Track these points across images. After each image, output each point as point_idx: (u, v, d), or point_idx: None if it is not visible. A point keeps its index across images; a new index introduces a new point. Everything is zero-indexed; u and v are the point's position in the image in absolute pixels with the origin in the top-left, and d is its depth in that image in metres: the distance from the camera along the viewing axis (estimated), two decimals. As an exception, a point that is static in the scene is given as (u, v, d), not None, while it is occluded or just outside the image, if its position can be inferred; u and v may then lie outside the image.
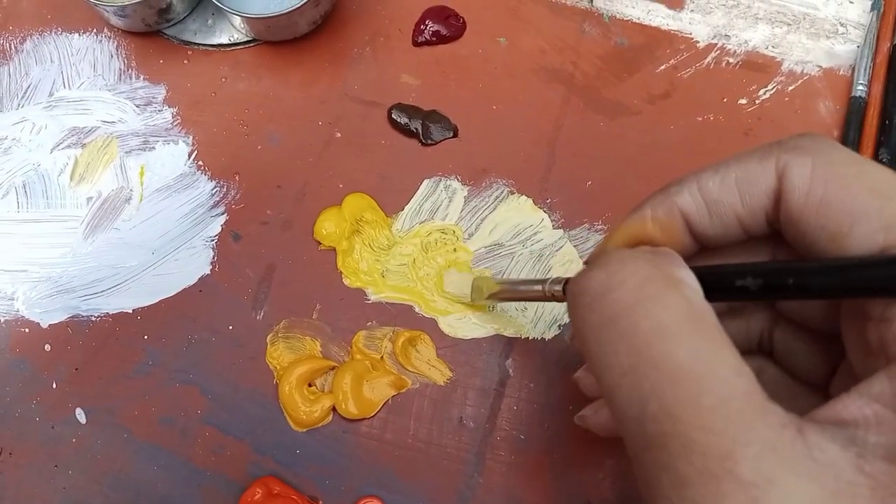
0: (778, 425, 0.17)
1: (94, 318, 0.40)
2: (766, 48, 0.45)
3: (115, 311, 0.40)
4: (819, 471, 0.16)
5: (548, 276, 0.31)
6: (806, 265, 0.21)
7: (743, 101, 0.44)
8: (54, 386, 0.39)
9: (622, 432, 0.19)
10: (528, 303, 0.39)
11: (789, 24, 0.45)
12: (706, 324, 0.19)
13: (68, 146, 0.43)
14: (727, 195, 0.23)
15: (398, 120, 0.43)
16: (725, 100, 0.44)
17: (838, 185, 0.21)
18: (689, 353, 0.18)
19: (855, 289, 0.20)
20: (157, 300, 0.40)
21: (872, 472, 0.16)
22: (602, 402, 0.29)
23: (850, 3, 0.46)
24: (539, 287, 0.30)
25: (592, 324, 0.19)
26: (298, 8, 0.41)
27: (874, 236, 0.20)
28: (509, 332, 0.39)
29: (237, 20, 0.43)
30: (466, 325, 0.39)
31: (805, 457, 0.16)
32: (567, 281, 0.28)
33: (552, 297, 0.30)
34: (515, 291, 0.35)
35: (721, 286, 0.22)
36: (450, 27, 0.45)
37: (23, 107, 0.44)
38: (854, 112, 0.42)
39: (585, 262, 0.29)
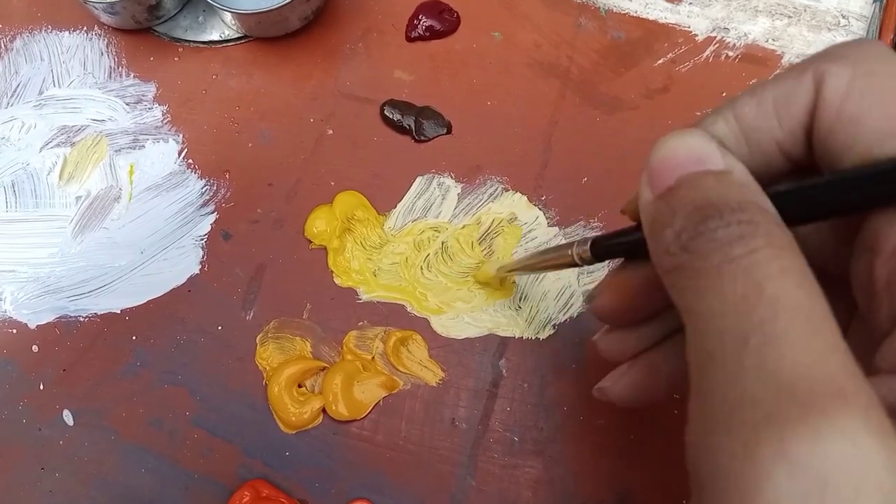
0: (869, 408, 0.16)
1: (82, 319, 0.39)
2: (766, 41, 0.44)
3: (103, 312, 0.39)
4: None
5: (570, 242, 0.29)
6: (837, 174, 0.20)
7: (742, 96, 0.43)
8: (41, 387, 0.38)
9: (699, 367, 0.18)
10: (522, 302, 0.38)
11: (790, 17, 0.45)
12: (817, 291, 0.18)
13: (57, 145, 0.43)
14: (765, 120, 0.21)
15: (391, 116, 0.42)
16: (725, 94, 0.43)
17: (874, 101, 0.19)
18: (804, 298, 0.17)
19: (881, 195, 0.19)
20: (145, 300, 0.39)
21: None
22: (622, 370, 0.27)
23: (853, -6, 0.45)
24: (566, 252, 0.29)
25: (716, 259, 0.18)
26: (289, 3, 0.41)
27: None
28: (503, 332, 0.38)
29: (228, 16, 0.43)
30: (459, 325, 0.38)
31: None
32: (594, 240, 0.27)
33: (580, 261, 0.28)
34: (536, 262, 0.33)
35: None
36: (444, 22, 0.45)
37: (12, 105, 0.44)
38: (856, 105, 0.41)
39: (622, 212, 0.27)
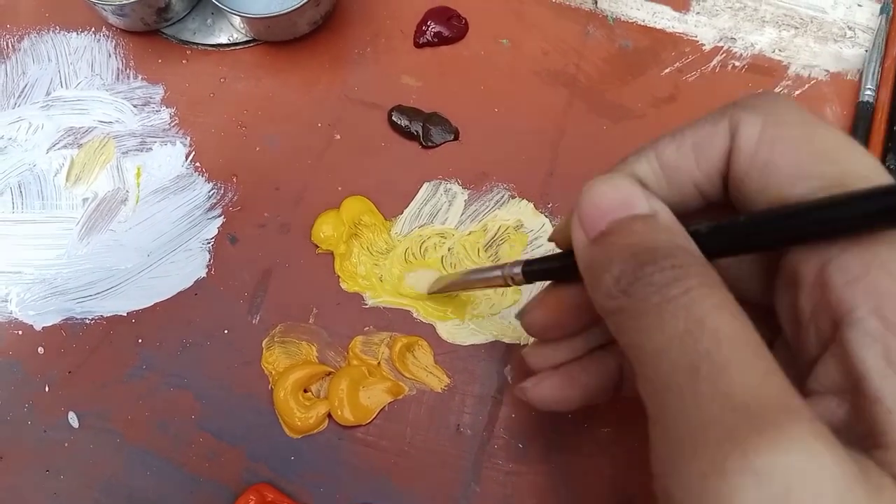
0: (809, 416, 0.17)
1: (88, 321, 0.39)
2: (773, 52, 0.44)
3: (109, 314, 0.39)
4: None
5: (502, 262, 0.32)
6: (753, 215, 0.21)
7: (749, 106, 0.43)
8: (47, 389, 0.38)
9: (648, 389, 0.19)
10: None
11: (797, 28, 0.45)
12: (750, 325, 0.19)
13: (65, 146, 0.43)
14: (684, 161, 0.23)
15: (398, 122, 0.42)
16: (731, 104, 0.43)
17: (784, 147, 0.21)
18: (738, 331, 0.19)
19: (794, 233, 0.20)
20: (152, 303, 0.39)
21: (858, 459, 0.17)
22: (543, 375, 0.30)
23: (859, 6, 0.45)
24: (497, 273, 0.31)
25: (655, 300, 0.20)
26: (298, 8, 0.41)
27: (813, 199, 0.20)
28: (508, 339, 0.38)
29: (237, 20, 0.43)
30: (465, 332, 0.38)
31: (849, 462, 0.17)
32: (525, 263, 0.29)
33: (511, 282, 0.31)
34: (467, 282, 0.35)
35: None
36: (452, 28, 0.45)
37: (19, 106, 0.44)
38: (861, 118, 0.41)
39: (550, 240, 0.30)
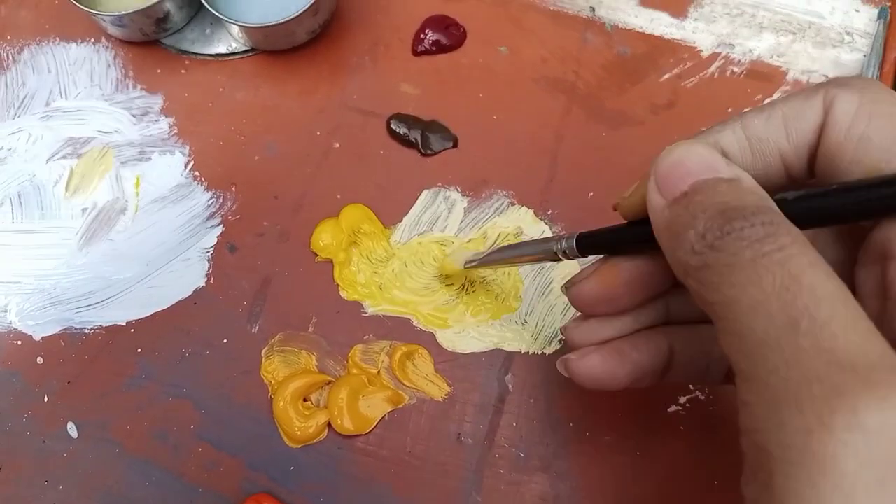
0: None
1: (87, 331, 0.39)
2: (772, 57, 0.44)
3: (108, 324, 0.39)
4: None
5: (555, 235, 0.30)
6: (846, 183, 0.21)
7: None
8: (46, 399, 0.38)
9: (741, 347, 0.19)
10: (528, 316, 0.38)
11: (795, 33, 0.45)
12: (840, 282, 0.19)
13: (64, 156, 0.43)
14: (773, 132, 0.23)
15: (397, 130, 0.42)
16: (730, 110, 0.43)
17: (882, 123, 0.21)
18: (837, 287, 0.18)
19: (890, 203, 0.20)
20: (151, 312, 0.39)
21: None
22: (591, 349, 0.28)
23: (857, 11, 0.45)
24: (547, 247, 0.30)
25: (749, 255, 0.19)
26: (297, 17, 0.41)
27: None
28: (509, 347, 0.38)
29: (235, 29, 0.43)
30: (465, 340, 0.38)
31: None
32: (580, 236, 0.28)
33: (563, 256, 0.29)
34: (510, 256, 0.33)
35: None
36: (450, 36, 0.45)
37: (19, 116, 0.44)
38: (861, 122, 0.41)
39: (614, 209, 0.28)
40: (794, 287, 0.18)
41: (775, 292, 0.18)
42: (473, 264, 0.36)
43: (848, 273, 0.23)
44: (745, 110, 0.24)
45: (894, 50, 0.43)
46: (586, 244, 0.28)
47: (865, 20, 0.45)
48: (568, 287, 0.29)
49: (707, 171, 0.22)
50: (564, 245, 0.28)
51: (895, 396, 0.16)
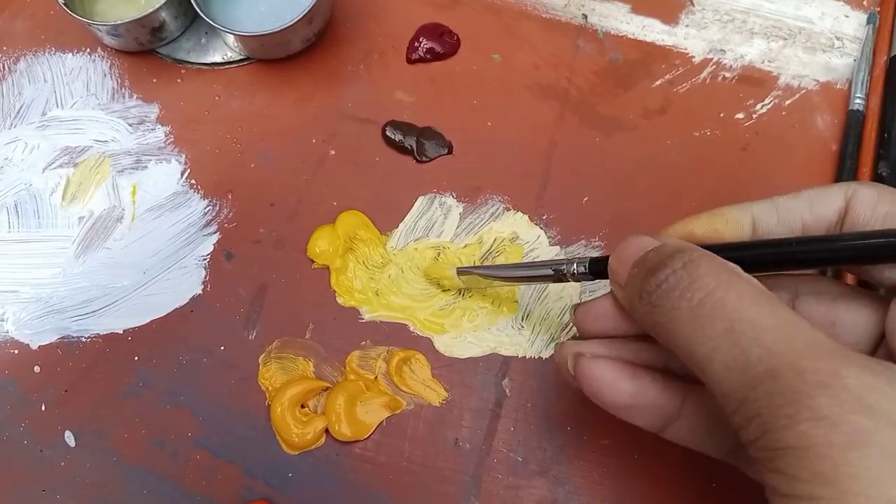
0: (864, 358, 0.20)
1: (84, 339, 0.39)
2: (763, 62, 0.45)
3: (105, 332, 0.39)
4: None
5: (564, 258, 0.32)
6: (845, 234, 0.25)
7: (740, 116, 0.43)
8: (43, 408, 0.38)
9: (720, 390, 0.21)
10: (525, 321, 0.39)
11: (785, 39, 0.45)
12: (771, 295, 0.22)
13: (60, 165, 0.43)
14: (798, 205, 0.27)
15: (392, 137, 0.43)
16: (722, 114, 0.43)
17: None
18: (771, 313, 0.21)
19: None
20: (148, 320, 0.39)
21: None
22: (602, 352, 0.29)
23: (846, 17, 0.46)
24: (553, 270, 0.31)
25: (684, 307, 0.22)
26: (292, 26, 0.41)
27: None
28: (506, 352, 0.38)
29: (231, 38, 0.43)
30: (462, 344, 0.38)
31: (889, 371, 0.19)
32: (591, 261, 0.30)
33: (570, 279, 0.31)
34: (510, 273, 0.35)
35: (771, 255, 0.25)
36: (444, 44, 0.45)
37: (15, 126, 0.44)
38: (852, 126, 0.42)
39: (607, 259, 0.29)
40: (736, 328, 0.21)
41: (721, 339, 0.21)
42: (469, 272, 0.37)
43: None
44: (776, 195, 0.27)
45: (884, 54, 0.43)
46: (597, 271, 0.29)
47: (855, 25, 0.45)
48: (577, 306, 0.30)
49: (638, 252, 0.25)
50: (575, 269, 0.30)
51: (845, 373, 0.19)
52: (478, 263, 0.40)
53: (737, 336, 0.21)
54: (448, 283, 0.39)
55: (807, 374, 0.19)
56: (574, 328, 0.38)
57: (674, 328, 0.23)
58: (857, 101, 0.42)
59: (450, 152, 0.43)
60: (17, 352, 0.39)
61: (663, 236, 0.26)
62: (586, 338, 0.29)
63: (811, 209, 0.26)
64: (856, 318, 0.26)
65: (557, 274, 0.31)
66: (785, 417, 0.19)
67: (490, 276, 0.36)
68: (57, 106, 0.45)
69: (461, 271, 0.37)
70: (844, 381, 0.19)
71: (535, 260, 0.40)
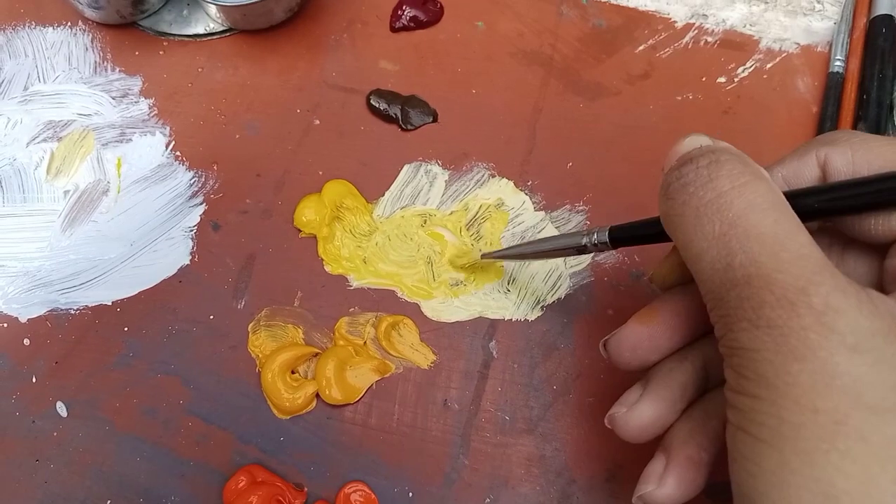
0: (845, 280, 0.20)
1: (73, 312, 0.39)
2: (744, 27, 0.45)
3: (94, 304, 0.39)
4: (879, 312, 0.20)
5: (583, 230, 0.31)
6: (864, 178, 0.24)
7: (722, 80, 0.43)
8: (34, 380, 0.38)
9: (705, 284, 0.23)
10: (511, 284, 0.39)
11: (766, 3, 0.45)
12: (787, 207, 0.22)
13: (44, 140, 0.43)
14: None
15: (377, 106, 0.43)
16: (704, 79, 0.44)
17: (881, 162, 0.24)
18: (773, 222, 0.21)
19: None
20: (136, 292, 0.40)
21: None
22: (631, 399, 0.28)
23: (827, -20, 0.46)
24: (577, 241, 0.31)
25: (694, 204, 0.23)
26: (273, -5, 0.41)
27: None
28: (493, 315, 0.39)
29: (213, 10, 0.43)
30: (449, 309, 0.39)
31: (867, 301, 0.20)
32: (611, 228, 0.29)
33: (594, 249, 0.31)
34: (532, 249, 0.34)
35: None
36: (427, 12, 0.45)
37: (-3, 102, 0.44)
38: (832, 87, 0.42)
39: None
40: (730, 232, 0.21)
41: (715, 239, 0.22)
42: (494, 255, 0.37)
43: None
44: None
45: (863, 17, 0.44)
46: (618, 236, 0.29)
47: (835, -12, 0.46)
48: (607, 341, 0.29)
49: (688, 148, 0.25)
50: (596, 238, 0.30)
51: (812, 293, 0.20)
52: (468, 232, 0.40)
53: (728, 239, 0.21)
54: (471, 267, 0.39)
55: (776, 286, 0.20)
56: (557, 291, 0.39)
57: (679, 222, 0.23)
58: (838, 63, 0.43)
59: (435, 120, 0.43)
60: (5, 325, 0.39)
61: (719, 141, 0.25)
62: (625, 369, 0.29)
63: (789, 188, 0.26)
64: (866, 268, 0.26)
65: (578, 247, 0.31)
66: (746, 321, 0.21)
67: (514, 257, 0.37)
68: (39, 80, 0.45)
69: (485, 256, 0.37)
70: (809, 299, 0.20)
71: (555, 235, 0.39)
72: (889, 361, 0.19)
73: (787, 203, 0.22)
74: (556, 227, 0.40)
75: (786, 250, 0.21)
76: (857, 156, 0.24)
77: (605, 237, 0.30)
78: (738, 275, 0.21)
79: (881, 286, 0.25)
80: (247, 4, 0.41)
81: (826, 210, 0.24)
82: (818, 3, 0.46)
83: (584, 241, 0.31)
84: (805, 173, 0.26)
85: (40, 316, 0.39)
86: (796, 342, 0.19)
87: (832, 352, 0.19)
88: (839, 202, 0.24)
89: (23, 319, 0.39)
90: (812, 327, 0.19)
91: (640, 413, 0.27)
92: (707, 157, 0.23)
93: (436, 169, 0.42)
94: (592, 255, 0.39)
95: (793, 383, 0.19)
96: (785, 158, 0.26)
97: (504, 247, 0.38)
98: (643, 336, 0.28)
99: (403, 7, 0.45)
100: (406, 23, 0.45)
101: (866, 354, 0.19)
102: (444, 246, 0.40)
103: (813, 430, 0.19)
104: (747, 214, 0.21)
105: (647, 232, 0.28)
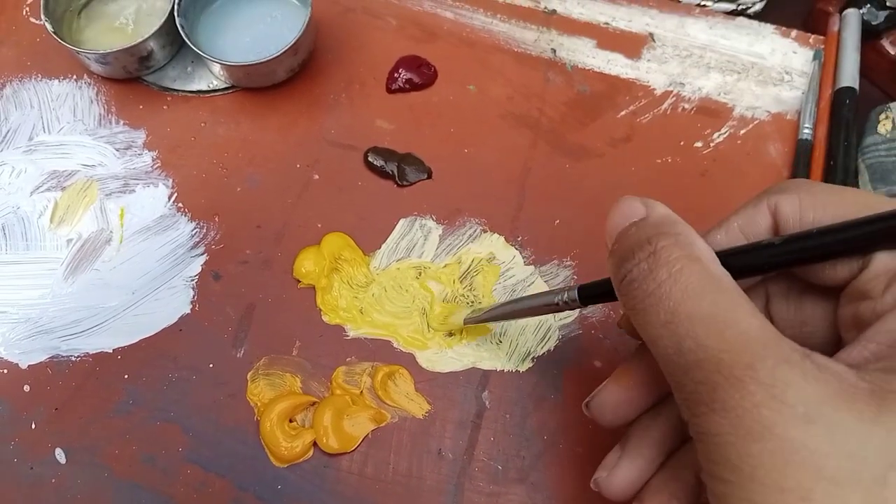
0: (789, 348, 0.21)
1: (73, 359, 0.40)
2: (719, 95, 0.48)
3: (95, 351, 0.40)
4: (825, 377, 0.20)
5: (556, 289, 0.32)
6: (809, 231, 0.25)
7: (698, 144, 0.46)
8: (33, 426, 0.39)
9: (664, 369, 0.23)
10: (503, 337, 0.41)
11: (739, 73, 0.49)
12: (723, 284, 0.23)
13: (48, 189, 0.44)
14: (733, 240, 0.27)
15: (374, 162, 0.45)
16: (682, 143, 0.46)
17: (825, 210, 0.25)
18: (710, 304, 0.22)
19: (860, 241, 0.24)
20: (137, 339, 0.40)
21: (871, 379, 0.20)
22: (611, 462, 0.30)
23: (795, 53, 0.49)
24: (549, 299, 0.32)
25: (640, 297, 0.23)
26: (277, 56, 0.43)
27: None
28: (485, 366, 0.40)
29: (217, 68, 0.45)
30: (444, 359, 0.40)
31: (813, 368, 0.20)
32: (581, 287, 0.31)
33: (565, 308, 0.32)
34: (510, 310, 0.36)
35: (745, 261, 0.25)
36: (422, 75, 0.48)
37: (2, 151, 0.45)
38: (801, 153, 0.45)
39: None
40: (675, 320, 0.22)
41: (662, 327, 0.23)
42: (475, 320, 0.38)
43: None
44: (709, 229, 0.27)
45: (829, 88, 0.47)
46: (587, 294, 0.31)
47: (802, 61, 0.49)
48: (588, 402, 0.30)
49: (624, 220, 0.26)
50: (566, 297, 0.31)
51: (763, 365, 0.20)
52: (460, 288, 0.42)
53: (674, 327, 0.22)
54: (458, 330, 0.41)
55: (723, 367, 0.21)
56: (547, 343, 0.40)
57: (632, 314, 0.24)
58: (806, 130, 0.46)
59: (429, 177, 0.45)
60: (6, 371, 0.40)
61: (651, 200, 0.26)
62: (609, 427, 0.30)
63: (746, 239, 0.27)
64: (823, 313, 0.27)
65: (552, 305, 0.32)
66: (703, 405, 0.21)
67: (495, 319, 0.38)
68: (44, 131, 0.46)
69: (468, 322, 0.39)
70: (756, 375, 0.20)
71: (530, 295, 0.41)
72: (840, 428, 0.19)
73: (724, 276, 0.23)
74: (545, 282, 0.42)
75: (728, 328, 0.21)
76: (804, 203, 0.25)
77: (575, 295, 0.31)
78: (690, 359, 0.22)
79: (838, 332, 0.26)
80: (250, 64, 0.43)
81: (771, 265, 0.25)
82: (787, 74, 0.49)
83: (556, 299, 0.32)
84: (759, 221, 0.27)
85: (41, 362, 0.40)
86: (751, 422, 0.20)
87: (787, 427, 0.19)
88: (780, 258, 0.25)
89: (23, 366, 0.40)
90: (764, 403, 0.20)
91: (620, 476, 0.29)
92: (645, 249, 0.24)
93: (430, 223, 0.44)
94: (579, 309, 0.41)
95: (756, 465, 0.20)
96: (741, 207, 0.27)
97: (490, 305, 0.39)
98: (622, 398, 0.29)
99: (399, 70, 0.47)
100: (402, 84, 0.47)
101: (818, 423, 0.19)
102: (434, 303, 0.42)
103: None
104: (685, 300, 0.22)
105: (613, 289, 0.29)
